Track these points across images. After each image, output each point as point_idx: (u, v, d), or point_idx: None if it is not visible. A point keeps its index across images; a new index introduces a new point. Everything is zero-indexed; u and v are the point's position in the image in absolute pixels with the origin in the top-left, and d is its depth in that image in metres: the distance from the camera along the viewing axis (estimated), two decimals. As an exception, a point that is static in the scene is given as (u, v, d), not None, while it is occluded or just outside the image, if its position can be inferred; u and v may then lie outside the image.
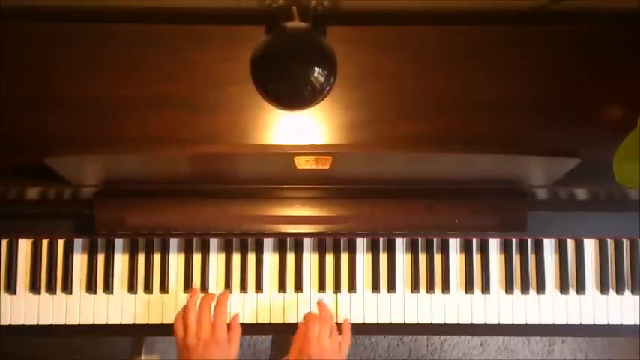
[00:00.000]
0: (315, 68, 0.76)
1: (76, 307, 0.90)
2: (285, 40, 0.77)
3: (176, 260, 0.92)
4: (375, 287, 0.91)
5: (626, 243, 0.93)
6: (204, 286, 0.91)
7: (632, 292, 0.92)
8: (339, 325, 0.87)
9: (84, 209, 0.85)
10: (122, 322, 0.90)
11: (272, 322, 0.91)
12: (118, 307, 0.91)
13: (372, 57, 0.79)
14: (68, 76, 0.78)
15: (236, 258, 0.92)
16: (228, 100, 0.78)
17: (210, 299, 0.86)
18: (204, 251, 0.92)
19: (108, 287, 0.90)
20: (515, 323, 0.91)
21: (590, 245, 0.93)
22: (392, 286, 0.91)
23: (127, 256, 0.91)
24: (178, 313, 0.86)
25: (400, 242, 0.92)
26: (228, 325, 0.87)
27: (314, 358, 0.80)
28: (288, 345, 0.89)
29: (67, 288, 0.90)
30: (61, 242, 0.91)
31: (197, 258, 0.92)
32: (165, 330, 0.90)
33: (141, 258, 0.91)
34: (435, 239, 0.92)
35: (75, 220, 0.91)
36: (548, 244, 0.93)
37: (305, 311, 0.90)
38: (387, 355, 1.60)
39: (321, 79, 0.76)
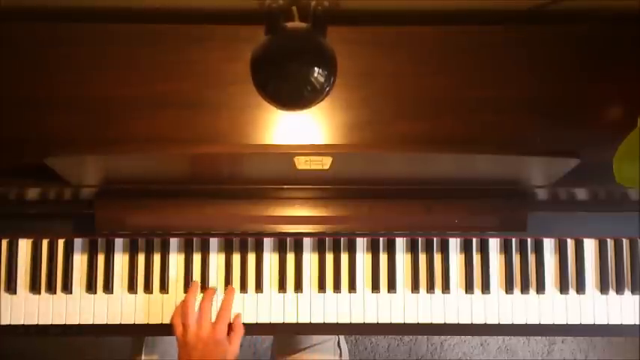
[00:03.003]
0: (315, 68, 0.76)
1: (76, 307, 0.90)
2: (285, 40, 0.77)
3: (176, 260, 0.92)
4: (375, 287, 0.91)
5: (626, 243, 0.93)
6: (204, 287, 0.91)
7: (632, 292, 0.92)
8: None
9: (84, 209, 0.85)
10: (122, 322, 0.90)
11: (272, 322, 0.91)
12: (118, 307, 0.91)
13: (371, 57, 0.79)
14: (68, 77, 0.78)
15: (236, 258, 0.92)
16: (229, 100, 0.78)
17: (212, 296, 0.86)
18: (204, 251, 0.92)
19: (108, 287, 0.90)
20: (515, 323, 0.91)
21: (590, 245, 0.93)
22: (392, 286, 0.91)
23: (127, 256, 0.91)
24: (176, 308, 0.86)
25: (400, 242, 0.92)
26: (231, 324, 0.87)
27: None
28: (288, 345, 0.89)
29: (67, 288, 0.90)
30: (61, 242, 0.91)
31: (197, 258, 0.92)
32: (165, 330, 0.90)
33: (141, 258, 0.91)
34: (434, 239, 0.92)
35: (75, 220, 0.91)
36: (548, 244, 0.93)
37: (305, 311, 0.91)
38: (387, 355, 1.60)
39: (321, 79, 0.76)
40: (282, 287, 0.91)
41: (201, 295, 0.89)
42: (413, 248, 0.92)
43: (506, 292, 0.92)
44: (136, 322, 0.91)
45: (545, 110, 0.79)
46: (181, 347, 0.83)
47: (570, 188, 0.82)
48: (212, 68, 0.79)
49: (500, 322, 0.91)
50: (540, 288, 0.91)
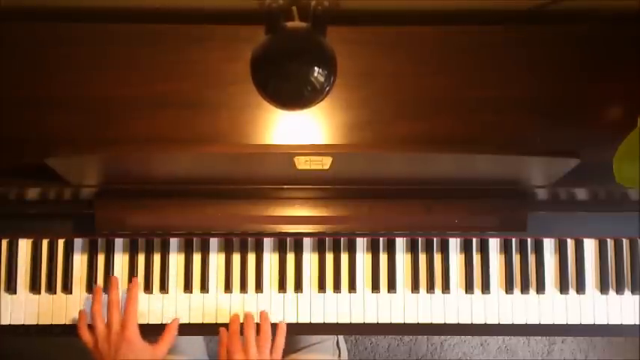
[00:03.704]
0: (315, 68, 0.76)
1: (76, 307, 0.90)
2: (285, 40, 0.77)
3: (176, 260, 0.92)
4: (375, 287, 0.91)
5: (626, 243, 0.93)
6: (204, 287, 0.91)
7: (632, 292, 0.92)
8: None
9: (84, 209, 0.85)
10: (122, 322, 0.90)
11: (272, 322, 0.90)
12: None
13: (371, 57, 0.79)
14: (68, 77, 0.78)
15: (236, 258, 0.92)
16: (229, 100, 0.78)
17: (116, 299, 0.84)
18: (204, 251, 0.92)
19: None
20: (515, 323, 0.91)
21: (590, 245, 0.93)
22: (392, 286, 0.91)
23: (126, 256, 0.91)
24: (79, 321, 0.84)
25: (400, 242, 0.92)
26: (166, 326, 0.87)
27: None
28: (287, 344, 0.89)
29: (67, 288, 0.90)
30: (61, 242, 0.91)
31: (197, 258, 0.92)
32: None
33: (141, 258, 0.91)
34: (434, 239, 0.92)
35: (75, 220, 0.91)
36: (548, 244, 0.93)
37: (305, 311, 0.91)
38: (387, 355, 1.60)
39: (321, 79, 0.76)
40: (282, 287, 0.91)
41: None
42: (413, 248, 0.92)
43: (506, 292, 0.92)
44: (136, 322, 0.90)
45: (545, 110, 0.79)
46: (94, 355, 0.81)
47: (570, 188, 0.82)
48: (212, 68, 0.79)
49: (500, 322, 0.91)
50: (540, 288, 0.91)
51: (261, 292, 0.91)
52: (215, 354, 0.89)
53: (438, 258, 0.92)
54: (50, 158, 0.70)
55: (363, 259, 0.92)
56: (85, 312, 0.86)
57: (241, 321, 0.88)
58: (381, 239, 0.92)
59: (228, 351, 0.83)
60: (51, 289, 0.90)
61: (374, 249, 0.92)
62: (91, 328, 0.84)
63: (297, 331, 0.91)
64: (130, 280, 0.90)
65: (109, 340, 0.81)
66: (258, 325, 0.88)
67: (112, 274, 0.91)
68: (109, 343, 0.80)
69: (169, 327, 0.87)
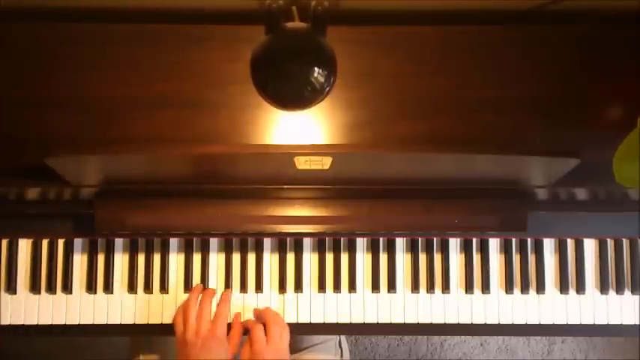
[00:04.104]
0: (315, 68, 0.76)
1: (76, 307, 0.90)
2: (285, 40, 0.77)
3: (176, 260, 0.92)
4: (375, 287, 0.91)
5: (626, 243, 0.93)
6: (205, 288, 0.91)
7: (632, 292, 0.92)
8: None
9: (84, 209, 0.85)
10: (122, 322, 0.90)
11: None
12: (118, 307, 0.91)
13: (371, 57, 0.79)
14: (68, 77, 0.78)
15: (236, 258, 0.92)
16: (229, 100, 0.78)
17: (211, 296, 0.86)
18: (204, 251, 0.92)
19: (108, 287, 0.90)
20: (515, 323, 0.91)
21: (590, 245, 0.93)
22: (392, 286, 0.91)
23: (126, 256, 0.91)
24: (178, 308, 0.86)
25: (400, 242, 0.92)
26: (230, 324, 0.88)
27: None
28: (290, 345, 0.89)
29: (67, 288, 0.90)
30: (61, 242, 0.91)
31: (197, 258, 0.92)
32: (165, 330, 0.90)
33: (141, 258, 0.91)
34: (434, 239, 0.92)
35: (75, 220, 0.91)
36: (548, 244, 0.93)
37: (305, 311, 0.91)
38: (387, 355, 1.60)
39: (321, 79, 0.76)
40: (282, 287, 0.91)
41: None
42: (413, 248, 0.92)
43: (506, 292, 0.92)
44: (136, 322, 0.90)
45: (545, 110, 0.79)
46: (180, 345, 0.83)
47: (570, 188, 0.82)
48: (212, 68, 0.79)
49: (500, 322, 0.91)
50: (540, 288, 0.91)
51: (261, 292, 0.91)
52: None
53: (438, 258, 0.92)
54: (50, 158, 0.70)
55: (363, 259, 0.92)
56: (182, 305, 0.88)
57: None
58: (381, 239, 0.92)
59: (256, 340, 0.83)
60: (51, 289, 0.90)
61: (374, 249, 0.92)
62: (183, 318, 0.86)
63: (297, 331, 0.91)
64: (130, 281, 0.91)
65: (197, 334, 0.82)
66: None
67: (112, 274, 0.91)
68: (197, 337, 0.82)
69: (234, 324, 0.88)
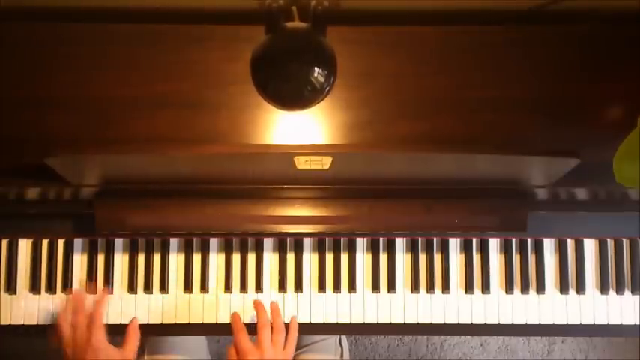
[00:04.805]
0: (315, 68, 0.76)
1: (76, 307, 0.90)
2: (285, 40, 0.77)
3: (176, 260, 0.92)
4: (375, 287, 0.91)
5: (626, 243, 0.93)
6: (204, 286, 0.91)
7: (632, 292, 0.92)
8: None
9: (84, 209, 0.85)
10: (122, 322, 0.90)
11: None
12: (118, 307, 0.91)
13: (372, 57, 0.79)
14: (68, 77, 0.78)
15: (236, 258, 0.92)
16: (229, 100, 0.78)
17: (83, 303, 0.83)
18: (204, 251, 0.92)
19: (108, 287, 0.90)
20: (515, 323, 0.91)
21: (590, 245, 0.93)
22: (392, 286, 0.91)
23: (127, 256, 0.91)
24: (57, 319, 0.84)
25: (400, 242, 0.92)
26: (127, 327, 0.86)
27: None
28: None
29: (67, 288, 0.90)
30: (61, 242, 0.91)
31: (197, 258, 0.92)
32: (165, 330, 0.90)
33: (141, 258, 0.91)
34: (434, 239, 0.92)
35: (75, 220, 0.90)
36: (548, 244, 0.93)
37: (305, 311, 0.91)
38: (387, 355, 1.60)
39: (321, 79, 0.76)
40: (282, 287, 0.91)
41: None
42: (413, 248, 0.92)
43: (506, 292, 0.92)
44: (136, 322, 0.90)
45: (546, 110, 0.79)
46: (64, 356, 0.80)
47: (570, 188, 0.82)
48: (212, 68, 0.79)
49: (500, 322, 0.91)
50: (540, 288, 0.91)
51: (261, 292, 0.91)
52: (215, 354, 0.88)
53: (438, 258, 0.92)
54: (50, 158, 0.70)
55: (363, 259, 0.92)
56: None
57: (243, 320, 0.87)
58: (381, 239, 0.92)
59: (240, 351, 0.80)
60: (51, 289, 0.90)
61: (374, 249, 0.92)
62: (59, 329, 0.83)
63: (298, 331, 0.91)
64: (130, 281, 0.91)
65: (75, 343, 0.80)
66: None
67: (112, 274, 0.91)
68: (75, 346, 0.79)
69: (129, 327, 0.86)
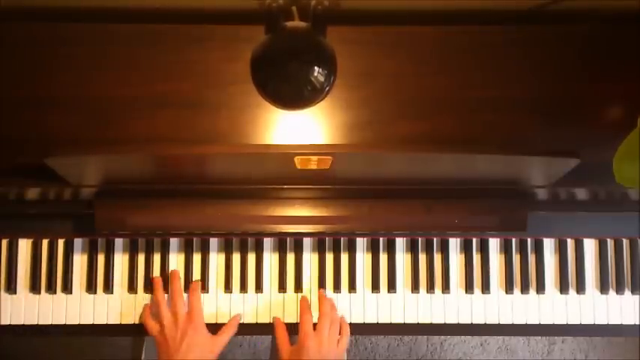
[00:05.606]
0: (315, 68, 0.76)
1: (76, 307, 0.90)
2: (285, 40, 0.77)
3: (176, 260, 0.92)
4: (375, 287, 0.91)
5: (626, 243, 0.93)
6: (203, 286, 0.91)
7: (632, 292, 0.92)
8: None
9: (84, 209, 0.85)
10: (122, 322, 0.90)
11: (272, 322, 0.90)
12: (118, 307, 0.91)
13: (372, 57, 0.79)
14: (68, 77, 0.78)
15: (236, 258, 0.92)
16: (229, 100, 0.78)
17: (179, 289, 0.87)
18: (204, 251, 0.92)
19: (108, 287, 0.90)
20: (515, 323, 0.91)
21: (590, 245, 0.93)
22: (392, 286, 0.91)
23: (126, 256, 0.92)
24: (145, 310, 0.87)
25: (400, 242, 0.92)
26: (229, 320, 0.87)
27: (312, 352, 0.80)
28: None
29: (67, 288, 0.90)
30: (61, 242, 0.91)
31: (197, 258, 0.92)
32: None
33: (141, 258, 0.91)
34: (434, 239, 0.92)
35: (75, 220, 0.91)
36: (548, 244, 0.93)
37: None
38: (387, 355, 1.60)
39: (321, 79, 0.76)
40: (282, 287, 0.91)
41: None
42: (413, 248, 0.92)
43: (506, 292, 0.92)
44: (136, 322, 0.90)
45: (546, 110, 0.79)
46: (161, 344, 0.83)
47: (570, 188, 0.82)
48: (212, 68, 0.79)
49: (500, 322, 0.91)
50: (540, 288, 0.91)
51: (261, 292, 0.91)
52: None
53: (438, 258, 0.92)
54: (50, 158, 0.70)
55: (363, 259, 0.92)
56: (150, 304, 0.89)
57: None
58: (381, 239, 0.92)
59: (302, 331, 0.83)
60: (51, 289, 0.90)
61: (374, 249, 0.92)
62: (155, 317, 0.86)
63: (298, 330, 0.91)
64: (130, 281, 0.91)
65: (176, 326, 0.83)
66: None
67: (112, 274, 0.91)
68: (176, 329, 0.82)
69: (231, 321, 0.88)
